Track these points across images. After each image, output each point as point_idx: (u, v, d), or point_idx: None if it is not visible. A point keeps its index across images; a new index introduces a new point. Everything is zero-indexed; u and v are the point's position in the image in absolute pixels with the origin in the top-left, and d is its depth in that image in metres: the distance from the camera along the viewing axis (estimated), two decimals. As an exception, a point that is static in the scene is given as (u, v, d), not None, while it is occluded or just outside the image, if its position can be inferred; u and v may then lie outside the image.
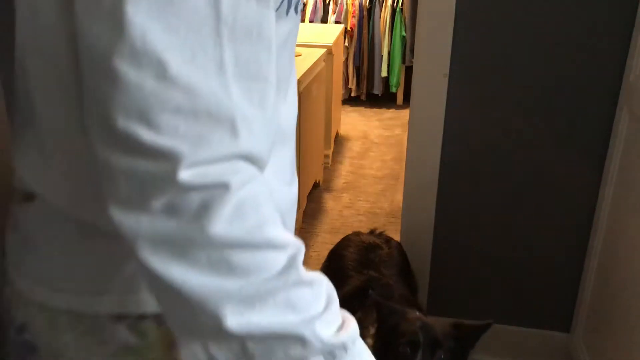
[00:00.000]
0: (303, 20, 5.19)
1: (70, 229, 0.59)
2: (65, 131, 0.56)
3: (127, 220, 0.48)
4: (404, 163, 1.97)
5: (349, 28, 5.05)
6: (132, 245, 0.48)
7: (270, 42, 0.51)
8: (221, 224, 0.47)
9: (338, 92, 4.19)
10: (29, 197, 0.60)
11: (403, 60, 5.10)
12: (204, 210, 0.47)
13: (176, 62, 0.46)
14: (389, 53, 5.08)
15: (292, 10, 0.59)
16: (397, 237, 2.32)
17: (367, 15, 5.06)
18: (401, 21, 4.98)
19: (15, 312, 0.63)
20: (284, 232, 0.52)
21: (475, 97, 1.81)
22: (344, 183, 3.59)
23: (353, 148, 4.17)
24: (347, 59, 5.11)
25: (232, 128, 0.48)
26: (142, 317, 0.60)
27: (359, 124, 4.71)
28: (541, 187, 1.86)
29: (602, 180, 1.79)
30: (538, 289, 1.98)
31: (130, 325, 0.60)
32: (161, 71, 0.45)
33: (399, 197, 3.26)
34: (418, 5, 1.80)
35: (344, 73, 5.00)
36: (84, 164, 0.54)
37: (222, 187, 0.47)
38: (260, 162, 0.52)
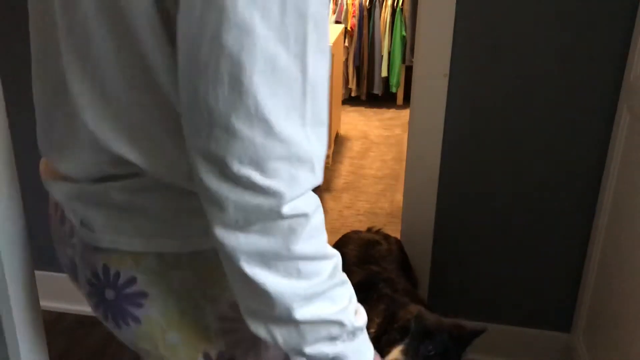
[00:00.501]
0: (303, 20, 5.19)
1: (166, 194, 0.73)
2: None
3: (229, 238, 0.62)
4: (404, 163, 1.97)
5: (349, 28, 5.05)
6: (230, 256, 0.63)
7: (326, 91, 0.64)
8: (300, 244, 0.63)
9: (338, 92, 4.19)
10: (129, 175, 0.73)
11: (403, 60, 5.10)
12: (291, 233, 0.62)
13: (277, 121, 0.58)
14: (389, 53, 5.09)
15: None
16: (397, 237, 2.32)
17: (367, 15, 5.06)
18: (401, 21, 4.98)
19: (118, 270, 0.76)
20: (329, 246, 0.70)
21: (475, 97, 1.81)
22: (344, 183, 3.59)
23: (353, 148, 4.17)
24: (347, 59, 5.11)
25: (312, 167, 0.62)
26: (200, 252, 0.75)
27: (359, 124, 4.71)
28: (541, 187, 1.86)
29: (602, 180, 1.79)
30: (538, 289, 1.98)
31: (198, 258, 0.76)
32: (268, 129, 0.58)
33: (399, 197, 3.26)
34: (418, 5, 1.80)
35: (344, 73, 5.00)
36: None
37: (304, 217, 0.63)
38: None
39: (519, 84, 1.76)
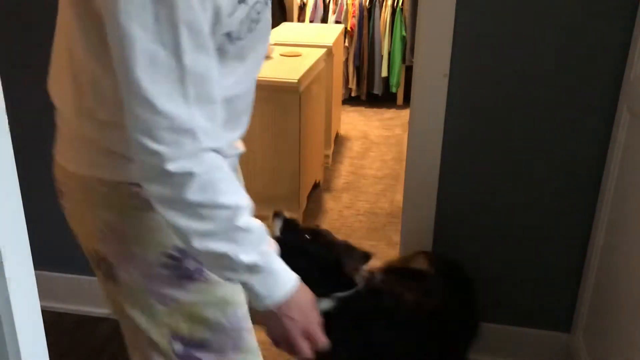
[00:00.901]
0: (303, 21, 5.20)
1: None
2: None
3: (145, 186, 0.90)
4: (404, 163, 1.97)
5: (349, 28, 5.05)
6: (150, 199, 0.90)
7: (213, 78, 0.86)
8: (191, 194, 0.87)
9: (338, 92, 4.19)
10: (109, 124, 0.96)
11: (403, 60, 5.10)
12: (182, 185, 0.86)
13: (160, 101, 0.81)
14: (389, 53, 5.09)
15: (235, 41, 0.95)
16: (397, 237, 2.32)
17: (367, 15, 5.06)
18: (401, 21, 4.98)
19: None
20: (232, 197, 0.92)
21: (475, 97, 1.81)
22: (344, 183, 3.59)
23: (353, 148, 4.17)
24: (347, 59, 5.12)
25: (194, 135, 0.85)
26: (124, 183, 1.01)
27: (359, 124, 4.71)
28: (541, 187, 1.86)
29: (602, 180, 1.79)
30: (538, 289, 1.98)
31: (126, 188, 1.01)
32: (152, 108, 0.81)
33: (399, 197, 3.26)
34: (418, 5, 1.80)
35: (344, 73, 5.00)
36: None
37: (190, 174, 0.86)
38: (218, 149, 0.89)
39: (519, 84, 1.76)
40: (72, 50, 0.97)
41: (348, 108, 5.08)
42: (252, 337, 1.16)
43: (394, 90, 5.21)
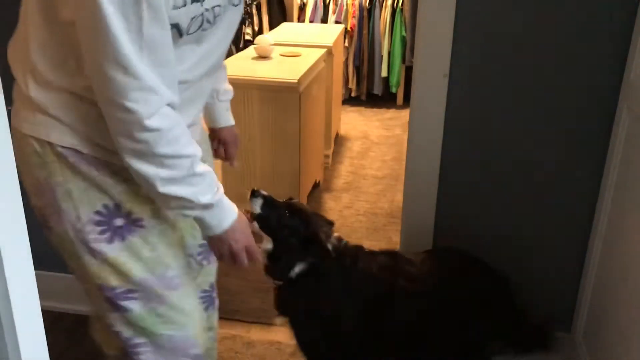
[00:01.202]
0: (303, 21, 5.20)
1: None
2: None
3: (117, 142, 1.05)
4: (404, 163, 1.97)
5: (349, 28, 5.05)
6: (121, 154, 1.06)
7: (169, 46, 1.02)
8: (159, 148, 1.04)
9: (338, 92, 4.19)
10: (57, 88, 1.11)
11: (403, 60, 5.10)
12: (153, 141, 1.03)
13: (132, 65, 0.97)
14: (389, 53, 5.09)
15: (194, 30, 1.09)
16: (397, 237, 2.32)
17: (367, 15, 5.06)
18: (401, 21, 4.98)
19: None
20: (190, 148, 1.10)
21: (475, 97, 1.81)
22: (344, 183, 3.59)
23: (353, 148, 4.17)
24: (347, 59, 5.11)
25: (156, 92, 1.01)
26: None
27: (359, 124, 4.71)
28: (541, 187, 1.86)
29: (602, 180, 1.79)
30: (538, 289, 1.98)
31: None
32: (126, 70, 0.97)
33: (399, 197, 3.26)
34: (418, 5, 1.80)
35: (344, 73, 5.00)
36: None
37: (158, 131, 1.03)
38: (174, 104, 1.06)
39: (519, 84, 1.76)
40: (27, 15, 1.11)
41: (348, 108, 5.08)
42: (181, 297, 1.28)
43: (393, 90, 5.21)
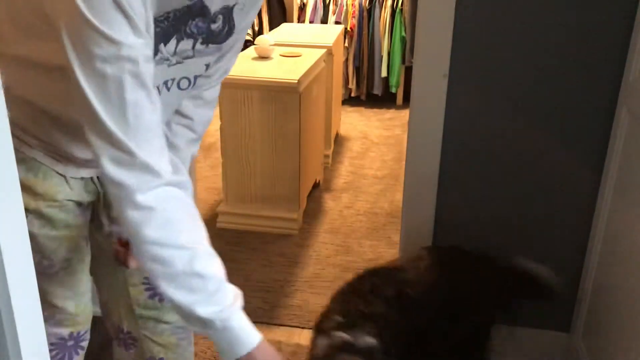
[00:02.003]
0: (303, 21, 5.20)
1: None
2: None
3: (120, 213, 0.93)
4: (404, 163, 1.97)
5: (349, 28, 5.05)
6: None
7: (158, 125, 0.94)
8: (150, 231, 0.91)
9: (338, 92, 4.19)
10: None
11: (403, 61, 5.10)
12: (141, 223, 0.91)
13: (129, 147, 0.89)
14: (388, 53, 5.09)
15: (172, 87, 1.08)
16: (397, 237, 2.32)
17: (367, 15, 5.06)
18: (401, 21, 4.98)
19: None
20: (190, 239, 0.95)
21: (475, 97, 1.81)
22: (344, 183, 3.59)
23: (353, 148, 4.18)
24: (347, 59, 5.11)
25: (153, 172, 0.91)
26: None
27: (359, 124, 4.71)
28: (541, 187, 1.86)
29: (602, 180, 1.79)
30: (538, 289, 1.98)
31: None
32: (118, 145, 0.89)
33: (399, 197, 3.26)
34: (418, 5, 1.80)
35: (344, 73, 5.00)
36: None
37: (149, 209, 0.91)
38: (173, 182, 0.95)
39: (519, 85, 1.76)
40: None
41: (348, 108, 5.08)
42: (54, 286, 1.24)
43: (393, 90, 5.21)
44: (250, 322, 0.99)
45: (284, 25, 4.36)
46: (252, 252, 2.78)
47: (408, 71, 5.02)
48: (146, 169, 0.91)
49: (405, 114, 4.72)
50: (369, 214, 3.19)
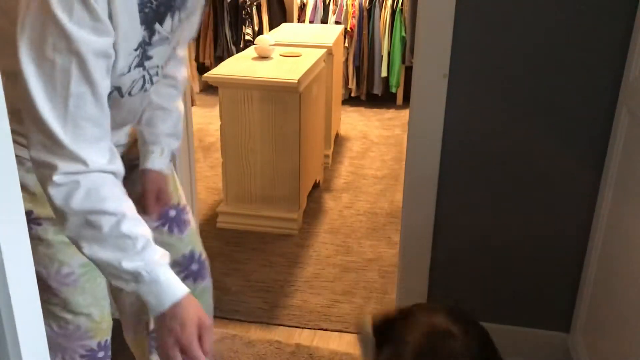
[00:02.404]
0: (303, 21, 5.20)
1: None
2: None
3: (44, 189, 1.00)
4: (404, 163, 1.97)
5: (349, 28, 5.05)
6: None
7: (97, 119, 1.00)
8: (76, 202, 0.99)
9: (338, 92, 4.19)
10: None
11: (403, 61, 5.10)
12: (66, 197, 0.99)
13: (52, 125, 0.96)
14: (388, 53, 5.08)
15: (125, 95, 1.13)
16: (397, 237, 2.32)
17: (367, 15, 5.06)
18: (401, 21, 4.98)
19: None
20: (115, 205, 1.02)
21: (475, 97, 1.81)
22: (344, 183, 3.59)
23: (353, 148, 4.18)
24: (347, 59, 5.11)
25: (80, 160, 0.99)
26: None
27: (359, 124, 4.71)
28: (541, 187, 1.86)
29: (602, 180, 1.79)
30: (538, 289, 1.98)
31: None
32: (43, 128, 0.96)
33: (399, 197, 3.26)
34: (418, 5, 1.80)
35: (344, 73, 5.00)
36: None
37: (76, 183, 0.98)
38: (101, 169, 1.01)
39: (519, 85, 1.76)
40: None
41: (348, 108, 5.08)
42: (77, 294, 1.28)
43: (393, 90, 5.21)
44: (177, 278, 1.06)
45: (284, 25, 4.36)
46: (252, 252, 2.78)
47: (408, 71, 5.02)
48: (74, 158, 0.98)
49: (405, 114, 4.72)
50: (369, 214, 3.19)
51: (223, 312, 2.31)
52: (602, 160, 1.78)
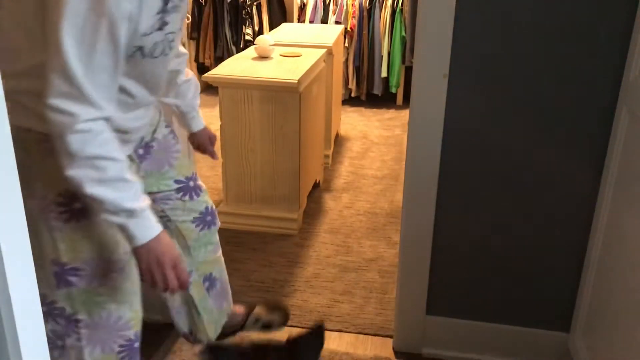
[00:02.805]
0: (303, 21, 5.20)
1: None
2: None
3: (56, 139, 1.18)
4: (404, 163, 1.97)
5: (349, 28, 5.05)
6: (57, 149, 1.19)
7: (112, 73, 1.20)
8: (91, 148, 1.18)
9: (338, 93, 4.19)
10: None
11: (403, 61, 5.10)
12: (83, 142, 1.17)
13: (77, 74, 1.14)
14: (388, 53, 5.09)
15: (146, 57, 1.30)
16: (397, 237, 2.32)
17: (367, 15, 5.06)
18: (401, 21, 4.98)
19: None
20: (121, 154, 1.24)
21: (475, 97, 1.81)
22: (344, 183, 3.59)
23: (353, 148, 4.18)
24: (347, 59, 5.12)
25: (97, 106, 1.17)
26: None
27: (359, 124, 4.72)
28: (541, 186, 1.86)
29: (602, 180, 1.79)
30: (538, 289, 1.98)
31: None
32: (69, 77, 1.14)
33: (399, 197, 3.26)
34: (418, 5, 1.80)
35: (344, 73, 5.00)
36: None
37: (90, 132, 1.17)
38: (108, 117, 1.21)
39: (519, 84, 1.76)
40: (3, 26, 1.27)
41: (348, 108, 5.08)
42: (124, 281, 1.42)
43: (393, 90, 5.21)
44: (156, 218, 1.31)
45: (284, 25, 4.36)
46: (252, 252, 2.78)
47: (408, 71, 5.02)
48: (92, 103, 1.16)
49: (405, 114, 4.72)
50: (369, 214, 3.19)
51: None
52: (602, 160, 1.78)
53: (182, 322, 1.88)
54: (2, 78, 1.13)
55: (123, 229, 1.26)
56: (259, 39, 3.24)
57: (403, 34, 5.01)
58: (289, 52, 3.23)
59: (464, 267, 2.01)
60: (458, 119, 1.83)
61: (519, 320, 2.02)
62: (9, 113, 1.14)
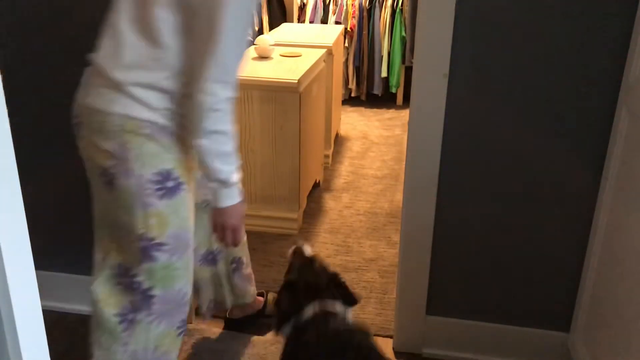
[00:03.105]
0: (303, 21, 5.20)
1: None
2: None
3: (195, 121, 1.42)
4: (404, 163, 1.97)
5: (349, 28, 5.05)
6: (195, 135, 1.43)
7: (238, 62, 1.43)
8: (222, 125, 1.43)
9: (338, 92, 4.19)
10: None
11: (403, 61, 5.10)
12: (218, 120, 1.42)
13: (232, 61, 1.40)
14: (388, 53, 5.09)
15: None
16: (397, 237, 2.32)
17: (367, 15, 5.06)
18: (401, 21, 4.98)
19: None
20: (232, 130, 1.45)
21: (475, 97, 1.81)
22: (344, 183, 3.59)
23: (353, 148, 4.18)
24: (347, 60, 5.11)
25: (233, 87, 1.41)
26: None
27: (359, 124, 4.72)
28: (541, 186, 1.86)
29: (602, 180, 1.79)
30: (538, 289, 1.98)
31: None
32: (225, 64, 1.38)
33: (399, 197, 3.26)
34: (418, 5, 1.80)
35: (344, 73, 5.00)
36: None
37: (225, 112, 1.42)
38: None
39: (518, 84, 1.77)
40: (118, 27, 1.43)
41: (348, 108, 5.08)
42: (190, 257, 1.60)
43: (393, 90, 5.21)
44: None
45: (284, 25, 4.37)
46: (252, 252, 2.77)
47: (408, 71, 5.02)
48: (232, 85, 1.38)
49: (405, 114, 4.72)
50: (369, 214, 3.19)
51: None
52: (602, 160, 1.78)
53: (207, 294, 2.04)
54: (114, 70, 1.40)
55: (214, 191, 1.50)
56: (259, 39, 3.24)
57: (403, 34, 5.01)
58: (289, 52, 3.23)
59: (464, 267, 2.01)
60: (458, 119, 1.83)
61: (519, 320, 2.02)
62: (116, 102, 1.42)
